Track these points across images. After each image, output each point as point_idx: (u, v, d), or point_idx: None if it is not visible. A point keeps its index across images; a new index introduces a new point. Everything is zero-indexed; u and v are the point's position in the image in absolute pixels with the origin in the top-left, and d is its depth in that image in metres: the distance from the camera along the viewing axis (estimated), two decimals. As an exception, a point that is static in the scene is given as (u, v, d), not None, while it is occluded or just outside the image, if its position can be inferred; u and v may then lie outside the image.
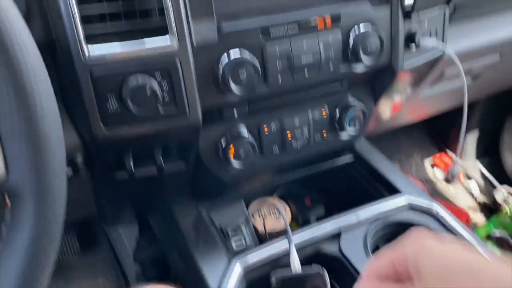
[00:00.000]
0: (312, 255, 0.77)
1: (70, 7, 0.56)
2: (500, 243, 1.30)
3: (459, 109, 0.96)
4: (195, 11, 0.62)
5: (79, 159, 0.69)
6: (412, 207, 0.83)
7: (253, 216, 0.98)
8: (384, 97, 0.89)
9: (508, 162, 1.54)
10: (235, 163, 0.73)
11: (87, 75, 0.58)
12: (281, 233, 0.78)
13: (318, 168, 0.94)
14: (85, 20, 0.57)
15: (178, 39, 0.60)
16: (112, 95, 0.60)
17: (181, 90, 0.62)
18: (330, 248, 0.77)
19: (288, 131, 0.78)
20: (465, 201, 1.53)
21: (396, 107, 1.00)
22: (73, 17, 0.56)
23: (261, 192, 1.02)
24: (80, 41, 0.57)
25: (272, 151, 0.79)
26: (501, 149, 1.56)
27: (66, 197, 0.42)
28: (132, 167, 0.67)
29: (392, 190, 0.88)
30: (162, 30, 0.60)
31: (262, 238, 0.93)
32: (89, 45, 0.57)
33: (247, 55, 0.65)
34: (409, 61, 0.79)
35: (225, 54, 0.64)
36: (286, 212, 1.00)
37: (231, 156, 0.73)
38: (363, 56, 0.71)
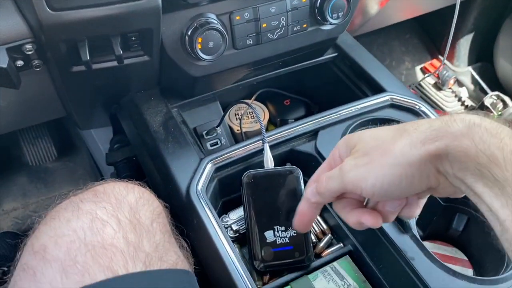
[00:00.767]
0: (287, 154, 0.74)
1: None
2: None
3: (453, 10, 0.88)
4: None
5: (30, 48, 0.62)
6: (394, 105, 0.78)
7: (229, 118, 0.94)
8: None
9: (501, 67, 1.48)
10: (203, 56, 0.67)
11: None
12: (258, 134, 0.74)
13: (298, 66, 0.88)
14: None
15: None
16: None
17: (135, -35, 0.54)
18: (306, 147, 0.74)
19: (263, 21, 0.71)
20: (452, 106, 1.50)
21: (384, 0, 0.92)
22: None
23: (239, 96, 0.97)
24: None
25: (246, 43, 0.72)
26: (494, 53, 1.49)
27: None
28: (88, 57, 0.61)
29: (377, 89, 0.83)
30: None
31: (238, 140, 0.90)
32: None
33: None
34: None
35: None
36: (263, 114, 0.96)
37: (198, 47, 0.66)
38: None
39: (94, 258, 0.45)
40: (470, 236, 0.70)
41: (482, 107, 1.41)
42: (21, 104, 0.81)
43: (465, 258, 0.71)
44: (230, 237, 0.67)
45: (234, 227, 0.70)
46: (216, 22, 0.67)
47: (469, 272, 0.69)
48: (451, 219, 0.70)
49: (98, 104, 0.85)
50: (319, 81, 0.96)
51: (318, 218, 0.72)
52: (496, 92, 1.45)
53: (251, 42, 0.73)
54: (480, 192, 0.39)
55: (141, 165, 0.85)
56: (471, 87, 1.54)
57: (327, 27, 0.78)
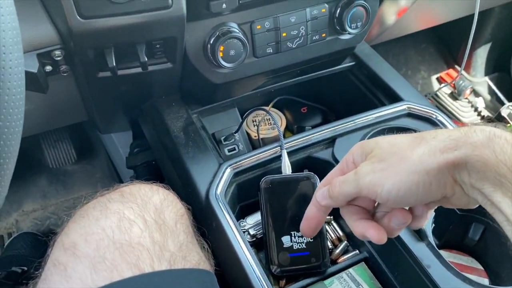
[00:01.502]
0: (304, 161, 0.75)
1: None
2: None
3: (471, 22, 0.88)
4: None
5: (58, 54, 0.65)
6: (411, 114, 0.79)
7: (247, 124, 0.95)
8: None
9: (519, 77, 1.48)
10: (225, 63, 0.69)
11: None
12: (275, 141, 0.76)
13: (315, 75, 0.89)
14: None
15: None
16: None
17: (162, -24, 0.56)
18: (323, 154, 0.75)
19: (283, 30, 0.73)
20: (469, 116, 1.49)
21: (402, 10, 0.93)
22: None
23: (257, 103, 0.98)
24: None
25: (265, 52, 0.74)
26: (512, 64, 1.49)
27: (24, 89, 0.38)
28: (114, 63, 0.63)
29: (394, 98, 0.83)
30: None
31: (256, 146, 0.91)
32: None
33: None
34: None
35: None
36: (281, 121, 0.97)
37: (220, 55, 0.68)
38: None
39: (122, 256, 0.47)
40: (486, 246, 0.70)
41: (499, 118, 1.41)
42: (46, 108, 0.83)
43: (481, 267, 0.71)
44: (248, 241, 0.68)
45: (252, 231, 0.71)
46: (237, 31, 0.69)
47: (485, 281, 0.69)
48: (467, 228, 0.71)
49: (120, 109, 0.88)
50: (336, 89, 0.97)
51: (334, 224, 0.73)
52: (514, 102, 1.44)
53: (271, 51, 0.74)
54: (498, 202, 0.40)
55: (161, 169, 0.87)
56: (488, 97, 1.54)
57: (345, 37, 0.79)
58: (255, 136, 0.92)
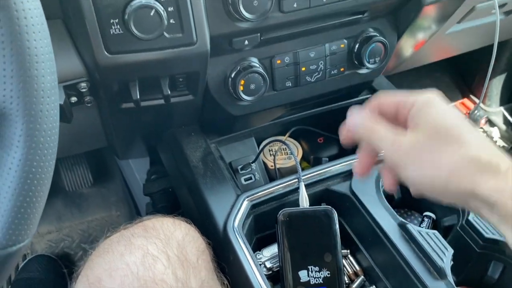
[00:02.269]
0: (322, 194, 0.76)
1: None
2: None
3: (486, 52, 0.89)
4: None
5: (84, 86, 0.66)
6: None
7: (264, 154, 0.96)
8: (408, 33, 0.83)
9: (535, 108, 1.47)
10: (245, 97, 0.70)
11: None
12: (292, 172, 0.76)
13: (333, 106, 0.90)
14: None
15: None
16: (115, 19, 0.57)
17: (188, 15, 0.58)
18: (341, 187, 0.75)
19: (303, 65, 0.74)
20: (485, 147, 1.48)
21: (420, 44, 0.94)
22: None
23: (273, 132, 0.99)
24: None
25: (285, 86, 0.75)
26: (528, 95, 1.49)
27: (58, 120, 0.40)
28: (138, 96, 0.65)
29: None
30: None
31: (272, 176, 0.92)
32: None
33: (259, -23, 0.60)
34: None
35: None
36: (297, 151, 0.98)
37: (241, 88, 0.69)
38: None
39: None
40: (506, 284, 0.69)
41: (515, 149, 1.40)
42: (68, 136, 0.85)
43: (501, 306, 0.70)
44: (264, 274, 0.68)
45: (268, 264, 0.71)
46: (258, 65, 0.70)
47: (505, 321, 0.68)
48: (486, 266, 0.70)
49: (140, 137, 0.89)
50: (352, 120, 0.97)
51: (351, 258, 0.72)
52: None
53: (290, 84, 0.75)
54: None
55: (178, 197, 0.88)
56: (503, 127, 1.53)
57: (363, 71, 0.80)
58: (271, 166, 0.92)
